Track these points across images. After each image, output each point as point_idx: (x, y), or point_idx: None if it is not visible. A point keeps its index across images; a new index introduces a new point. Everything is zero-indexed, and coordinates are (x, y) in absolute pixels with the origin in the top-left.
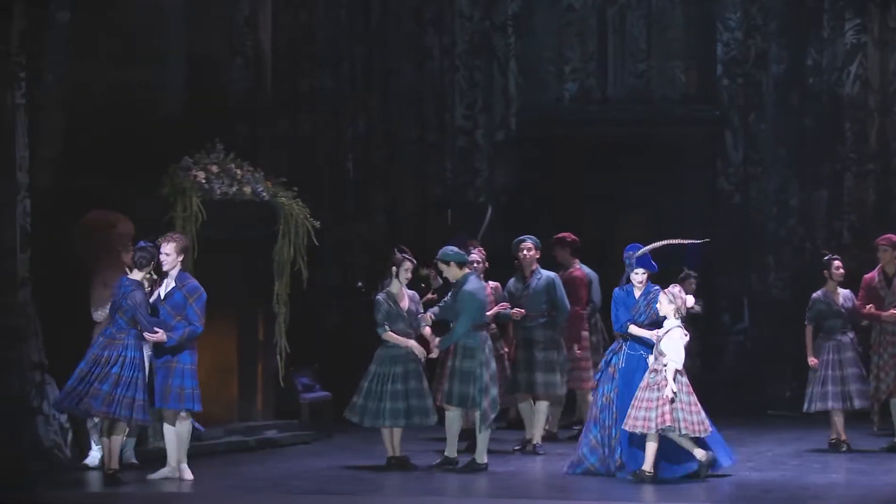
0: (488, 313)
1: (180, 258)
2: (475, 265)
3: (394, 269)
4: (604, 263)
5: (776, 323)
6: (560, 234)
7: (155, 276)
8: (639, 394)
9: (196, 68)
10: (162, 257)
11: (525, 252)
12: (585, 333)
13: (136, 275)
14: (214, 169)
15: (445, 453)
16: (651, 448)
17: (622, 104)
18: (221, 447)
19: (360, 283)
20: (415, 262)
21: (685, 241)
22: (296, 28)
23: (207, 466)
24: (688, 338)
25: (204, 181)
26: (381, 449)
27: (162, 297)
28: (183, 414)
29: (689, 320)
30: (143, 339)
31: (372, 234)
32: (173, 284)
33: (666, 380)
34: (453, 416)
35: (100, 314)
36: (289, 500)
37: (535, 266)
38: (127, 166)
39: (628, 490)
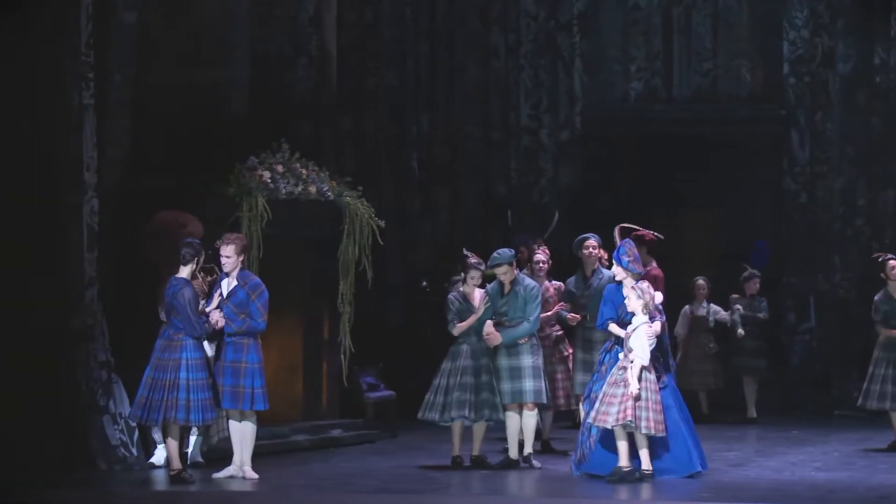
0: (549, 313)
1: (241, 258)
2: (540, 265)
3: (463, 274)
4: (668, 263)
5: (843, 323)
6: (638, 232)
7: (217, 273)
8: (606, 388)
9: (261, 67)
10: (223, 260)
11: (591, 250)
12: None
13: (184, 271)
14: (280, 168)
15: (509, 454)
16: (622, 445)
17: (688, 103)
18: (286, 446)
19: (424, 283)
20: (483, 269)
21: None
22: (360, 26)
23: (272, 465)
24: (653, 328)
25: (269, 181)
26: (445, 448)
27: (225, 295)
28: (248, 413)
29: (757, 324)
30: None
31: (436, 233)
32: (236, 283)
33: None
34: (514, 416)
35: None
36: (354, 499)
37: (598, 265)
38: (193, 166)
39: (688, 485)
